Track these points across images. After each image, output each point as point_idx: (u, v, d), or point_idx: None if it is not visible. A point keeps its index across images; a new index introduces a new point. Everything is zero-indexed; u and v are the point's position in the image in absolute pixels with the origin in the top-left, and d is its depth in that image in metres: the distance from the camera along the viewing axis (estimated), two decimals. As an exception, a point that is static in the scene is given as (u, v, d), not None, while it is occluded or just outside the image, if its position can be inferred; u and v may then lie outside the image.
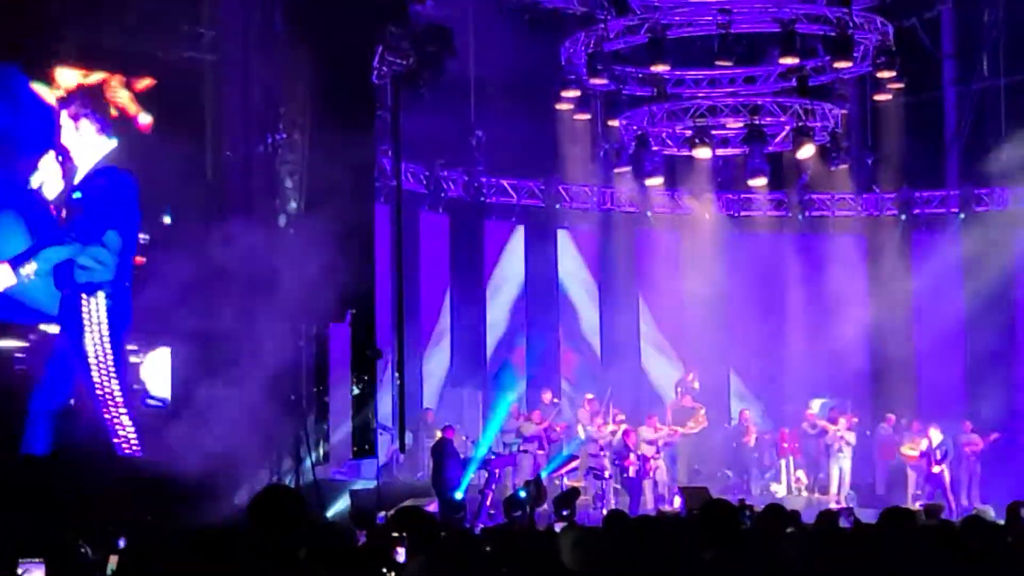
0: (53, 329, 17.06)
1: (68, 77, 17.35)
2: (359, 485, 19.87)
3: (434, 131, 24.61)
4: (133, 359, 17.89)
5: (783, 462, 26.60)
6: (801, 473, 26.54)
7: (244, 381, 16.68)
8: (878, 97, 27.06)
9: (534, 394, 26.56)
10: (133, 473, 16.09)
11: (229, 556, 5.88)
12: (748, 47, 26.90)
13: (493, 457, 23.04)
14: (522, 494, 19.46)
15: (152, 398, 18.08)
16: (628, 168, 27.17)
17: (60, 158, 16.96)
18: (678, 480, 25.66)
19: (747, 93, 26.50)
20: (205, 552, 5.92)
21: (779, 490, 26.05)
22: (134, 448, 16.65)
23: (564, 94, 25.81)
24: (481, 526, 17.66)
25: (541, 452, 24.55)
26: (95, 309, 16.54)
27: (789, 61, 24.87)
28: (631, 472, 24.24)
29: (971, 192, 28.42)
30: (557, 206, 28.36)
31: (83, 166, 16.89)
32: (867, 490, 26.42)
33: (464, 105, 26.36)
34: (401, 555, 7.92)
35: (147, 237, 17.86)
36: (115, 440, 16.54)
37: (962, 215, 28.49)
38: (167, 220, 18.32)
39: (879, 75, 25.72)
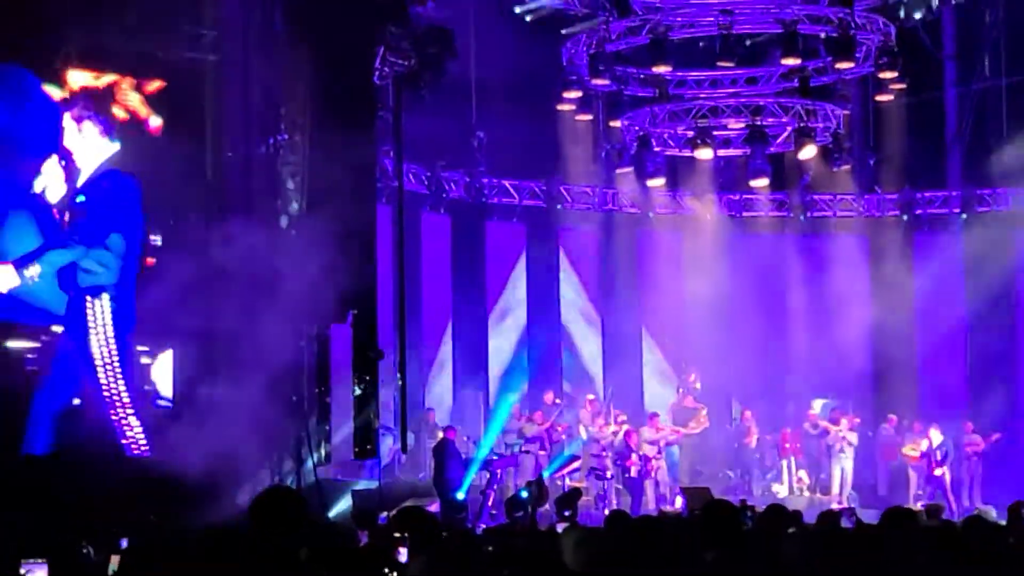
0: (60, 330, 17.07)
1: (79, 79, 17.36)
2: (361, 486, 19.87)
3: (435, 132, 24.61)
4: (144, 360, 17.92)
5: (785, 462, 26.60)
6: (803, 473, 26.55)
7: (246, 382, 16.69)
8: (880, 98, 27.06)
9: (536, 395, 26.57)
10: (135, 473, 16.10)
11: (230, 556, 5.89)
12: (750, 48, 26.94)
13: (495, 458, 23.04)
14: (524, 494, 19.45)
15: (162, 399, 18.12)
16: (630, 169, 27.17)
17: (63, 162, 16.95)
18: (680, 480, 25.66)
19: (749, 94, 26.50)
20: (207, 552, 5.92)
21: (781, 491, 26.04)
22: (143, 449, 16.66)
23: (566, 95, 25.81)
24: (483, 526, 17.66)
25: (543, 453, 24.56)
26: (100, 311, 16.54)
27: (791, 62, 24.87)
28: (633, 472, 24.25)
29: (973, 192, 28.42)
30: (559, 207, 28.36)
31: (86, 169, 16.88)
32: (869, 491, 26.42)
33: (465, 106, 26.36)
34: (403, 555, 7.93)
35: (158, 239, 17.88)
36: (124, 441, 16.55)
37: (964, 215, 28.49)
38: (172, 222, 18.33)
39: (881, 76, 25.70)
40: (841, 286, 28.25)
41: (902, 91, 26.48)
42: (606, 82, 25.30)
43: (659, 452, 24.97)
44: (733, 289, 28.03)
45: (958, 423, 26.30)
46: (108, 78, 17.56)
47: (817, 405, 27.14)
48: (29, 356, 17.27)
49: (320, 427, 19.63)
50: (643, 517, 13.40)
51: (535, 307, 28.11)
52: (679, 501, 23.26)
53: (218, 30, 18.74)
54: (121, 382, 16.57)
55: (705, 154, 26.47)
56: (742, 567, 7.44)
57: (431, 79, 21.82)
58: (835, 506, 21.94)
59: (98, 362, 16.48)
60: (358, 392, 20.13)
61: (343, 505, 19.11)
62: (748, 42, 26.89)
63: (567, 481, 23.63)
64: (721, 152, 27.27)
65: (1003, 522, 12.57)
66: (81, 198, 16.79)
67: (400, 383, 22.24)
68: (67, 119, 16.96)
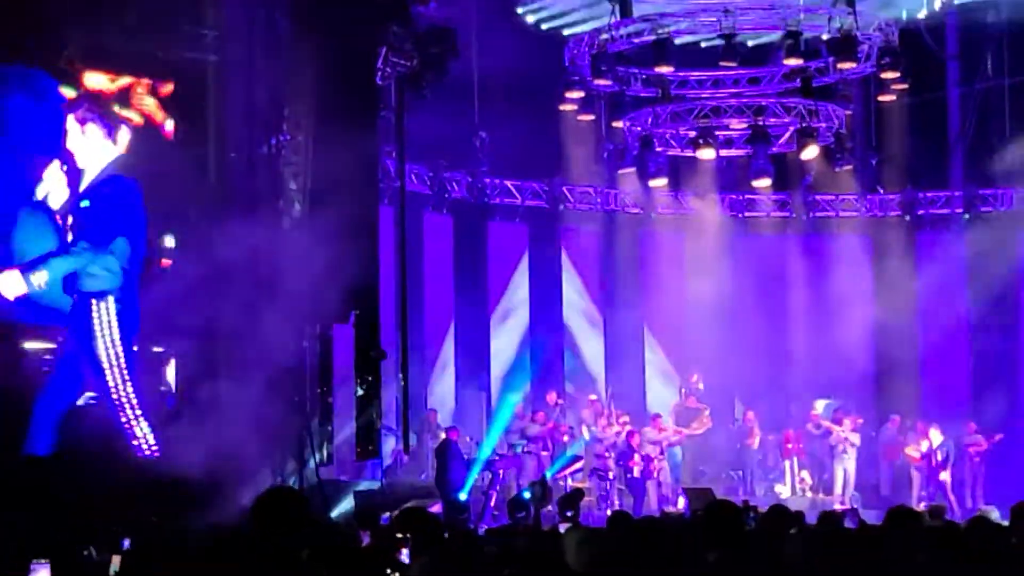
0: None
1: (96, 81, 17.34)
2: (363, 486, 19.87)
3: (438, 132, 24.60)
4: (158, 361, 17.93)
5: (787, 463, 26.60)
6: (805, 474, 26.54)
7: (248, 382, 16.69)
8: (882, 98, 27.06)
9: (538, 395, 26.56)
10: (137, 474, 16.10)
11: (232, 557, 5.89)
12: (752, 48, 26.93)
13: (497, 458, 23.05)
14: (527, 495, 19.44)
15: (175, 399, 18.11)
16: (632, 169, 27.19)
17: (65, 167, 16.91)
18: (682, 481, 25.66)
19: (751, 94, 26.51)
20: (208, 553, 5.92)
21: (783, 491, 26.04)
22: (153, 450, 16.65)
23: (568, 95, 25.82)
24: (485, 527, 17.66)
25: (545, 453, 24.56)
26: (105, 314, 16.52)
27: (793, 62, 24.88)
28: (635, 473, 24.26)
29: (975, 192, 28.41)
30: (561, 207, 28.36)
31: (89, 172, 16.82)
32: (871, 491, 26.41)
33: (468, 106, 26.36)
34: (405, 556, 7.92)
35: (171, 240, 17.89)
36: (134, 443, 16.54)
37: (966, 215, 28.49)
38: (175, 223, 18.31)
39: (883, 76, 25.70)
40: (843, 286, 28.24)
41: (904, 91, 26.49)
42: (608, 82, 25.32)
43: (661, 453, 24.98)
44: (735, 289, 28.03)
45: (960, 423, 26.29)
46: (124, 80, 17.56)
47: (820, 405, 27.13)
48: (37, 357, 17.27)
49: (322, 427, 19.61)
50: (645, 518, 13.41)
51: (537, 307, 28.10)
52: (681, 502, 23.27)
53: (220, 30, 18.72)
54: (129, 385, 16.56)
55: (707, 154, 26.48)
56: (744, 568, 7.43)
57: (433, 79, 21.82)
58: (838, 507, 21.92)
59: (105, 365, 16.46)
60: (360, 392, 20.12)
61: (345, 505, 19.09)
62: (750, 42, 26.89)
63: (569, 482, 23.63)
64: (723, 152, 27.27)
65: (1006, 523, 12.55)
66: (85, 203, 16.73)
67: (402, 383, 22.23)
68: (71, 121, 16.92)
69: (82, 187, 16.67)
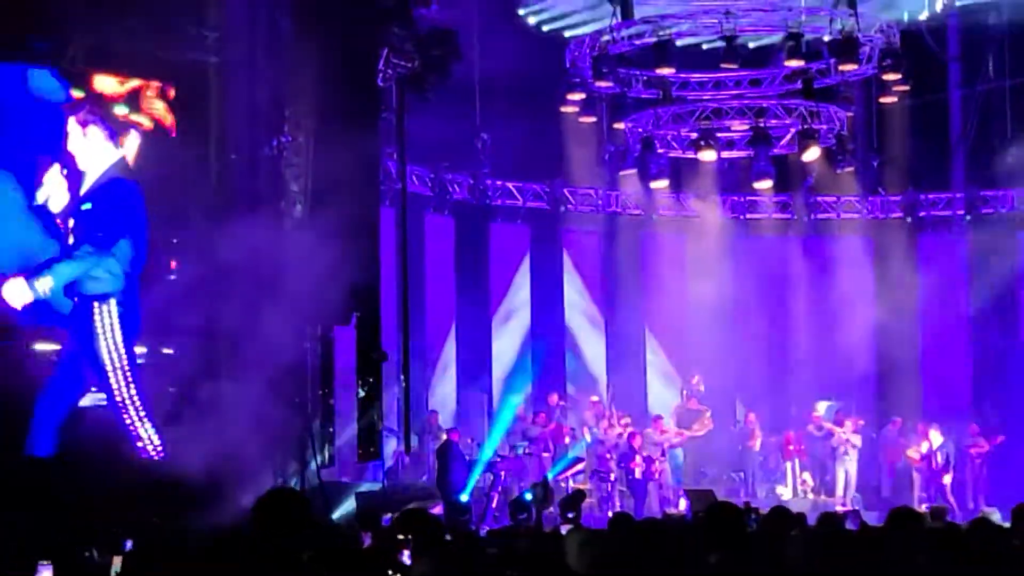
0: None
1: (105, 84, 17.34)
2: (364, 487, 19.87)
3: (439, 134, 24.61)
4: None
5: (789, 464, 26.59)
6: (807, 475, 26.54)
7: (249, 383, 16.68)
8: (883, 99, 27.05)
9: (540, 397, 26.57)
10: (138, 475, 16.08)
11: (234, 558, 5.89)
12: (753, 50, 26.94)
13: (498, 460, 23.04)
14: (528, 496, 19.45)
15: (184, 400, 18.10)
16: (633, 171, 27.19)
17: (65, 170, 16.88)
18: (683, 483, 25.65)
19: (752, 95, 26.50)
20: (210, 554, 5.92)
21: (785, 493, 26.04)
22: (158, 451, 16.63)
23: (569, 97, 25.82)
24: (486, 528, 17.66)
25: (547, 455, 24.55)
26: (107, 316, 16.49)
27: (794, 64, 24.88)
28: (637, 474, 24.26)
29: (977, 194, 28.42)
30: (562, 209, 28.38)
31: (90, 174, 16.78)
32: (873, 493, 26.40)
33: (469, 108, 26.37)
34: (406, 557, 7.92)
35: (177, 241, 17.89)
36: (139, 444, 16.53)
37: (968, 217, 28.49)
38: (176, 224, 18.30)
39: (884, 77, 25.69)
40: (845, 288, 28.24)
41: (906, 93, 26.47)
42: (610, 84, 25.32)
43: (663, 454, 24.98)
44: (737, 291, 28.03)
45: (962, 425, 26.29)
46: (133, 83, 17.56)
47: (821, 407, 27.12)
48: (40, 358, 17.25)
49: (324, 429, 19.61)
50: (647, 519, 13.39)
51: (539, 309, 28.10)
52: (683, 503, 23.25)
53: (222, 31, 18.73)
54: (132, 387, 16.55)
55: (708, 156, 26.48)
56: (746, 569, 7.43)
57: (435, 81, 21.82)
58: (839, 508, 21.92)
59: (108, 367, 16.44)
60: (362, 394, 20.12)
61: (346, 507, 19.09)
62: (752, 44, 26.90)
63: (571, 483, 23.62)
64: (724, 154, 27.26)
65: (1007, 524, 12.54)
66: (87, 205, 16.68)
67: (404, 385, 22.24)
68: (72, 123, 16.89)
69: (83, 190, 16.62)
